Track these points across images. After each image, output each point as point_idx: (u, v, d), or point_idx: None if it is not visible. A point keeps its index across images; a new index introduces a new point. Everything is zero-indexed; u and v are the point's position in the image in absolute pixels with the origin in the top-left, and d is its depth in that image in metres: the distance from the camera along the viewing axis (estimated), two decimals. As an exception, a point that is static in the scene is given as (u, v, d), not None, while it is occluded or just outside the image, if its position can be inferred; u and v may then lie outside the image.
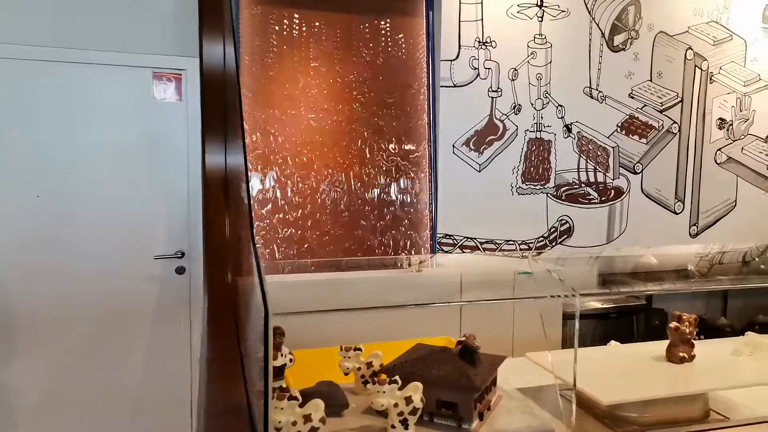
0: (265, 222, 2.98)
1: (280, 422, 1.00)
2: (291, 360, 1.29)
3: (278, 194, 2.97)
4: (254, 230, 2.91)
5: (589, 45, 3.39)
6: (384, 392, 1.09)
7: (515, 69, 3.26)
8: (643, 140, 3.56)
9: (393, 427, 1.09)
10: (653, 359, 1.61)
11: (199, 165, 2.95)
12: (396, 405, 1.08)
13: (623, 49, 3.47)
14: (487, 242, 3.28)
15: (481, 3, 3.15)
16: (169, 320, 3.04)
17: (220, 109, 2.92)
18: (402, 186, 3.16)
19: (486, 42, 3.18)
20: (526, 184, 3.34)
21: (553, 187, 3.40)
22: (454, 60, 3.14)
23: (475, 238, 3.25)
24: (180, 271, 3.07)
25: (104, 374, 2.97)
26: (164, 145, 3.02)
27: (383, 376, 1.09)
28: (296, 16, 2.97)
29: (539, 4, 3.27)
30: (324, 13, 3.01)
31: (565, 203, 3.43)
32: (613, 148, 3.50)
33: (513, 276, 3.11)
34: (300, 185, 3.00)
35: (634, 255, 3.64)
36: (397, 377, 1.10)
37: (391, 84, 3.12)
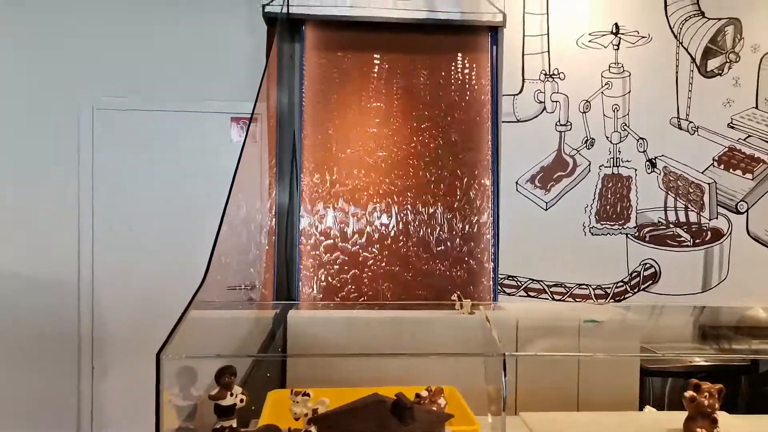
0: (323, 256, 3.06)
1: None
2: (242, 400, 1.31)
3: (337, 231, 3.04)
4: (299, 260, 3.00)
5: (676, 71, 3.08)
6: (297, 443, 1.06)
7: (587, 101, 3.05)
8: (748, 175, 3.12)
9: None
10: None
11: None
12: (306, 457, 1.04)
13: (719, 74, 3.10)
14: (555, 285, 3.05)
15: (548, 35, 3.01)
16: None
17: (278, 150, 3.09)
18: (463, 223, 3.07)
19: (553, 74, 3.03)
20: (601, 224, 3.07)
21: (635, 227, 3.09)
22: (517, 94, 3.02)
23: (541, 281, 3.04)
24: (250, 302, 3.25)
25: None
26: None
27: (297, 426, 1.07)
28: (358, 58, 3.07)
29: (614, 31, 3.05)
30: (385, 54, 3.07)
31: (650, 245, 3.09)
32: (709, 184, 3.11)
33: (578, 324, 2.86)
34: (359, 222, 3.04)
35: (737, 307, 3.17)
36: (312, 428, 1.07)
37: (453, 121, 3.08)
